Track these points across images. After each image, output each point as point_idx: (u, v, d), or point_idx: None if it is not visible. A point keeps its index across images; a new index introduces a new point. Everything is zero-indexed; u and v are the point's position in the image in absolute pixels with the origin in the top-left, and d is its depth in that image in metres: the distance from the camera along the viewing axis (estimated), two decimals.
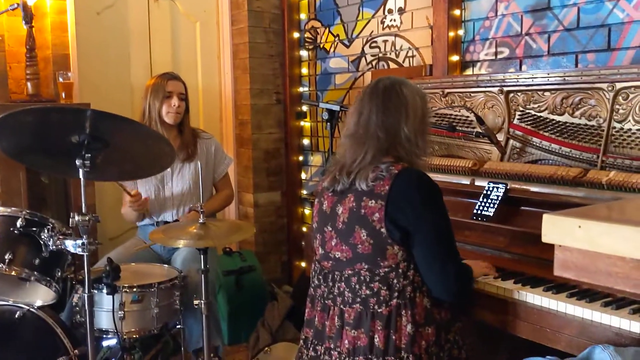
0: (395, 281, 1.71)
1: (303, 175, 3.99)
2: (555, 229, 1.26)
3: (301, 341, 1.93)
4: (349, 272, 1.77)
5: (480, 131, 2.33)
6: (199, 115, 3.96)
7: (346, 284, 1.77)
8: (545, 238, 1.29)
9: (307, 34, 3.88)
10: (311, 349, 1.87)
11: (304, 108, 3.94)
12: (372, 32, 3.37)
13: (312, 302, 1.90)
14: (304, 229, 3.96)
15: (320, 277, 1.87)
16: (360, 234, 1.73)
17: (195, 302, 2.39)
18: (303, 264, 3.91)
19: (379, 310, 1.71)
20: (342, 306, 1.78)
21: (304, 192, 3.99)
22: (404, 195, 1.70)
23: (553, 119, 2.20)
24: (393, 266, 1.71)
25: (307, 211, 3.97)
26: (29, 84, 3.20)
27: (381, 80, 1.83)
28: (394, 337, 1.69)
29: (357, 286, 1.75)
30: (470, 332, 1.87)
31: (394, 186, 1.70)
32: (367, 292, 1.73)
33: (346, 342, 1.75)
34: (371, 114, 1.78)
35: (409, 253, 1.72)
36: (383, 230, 1.70)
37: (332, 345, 1.79)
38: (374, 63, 3.39)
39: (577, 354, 1.40)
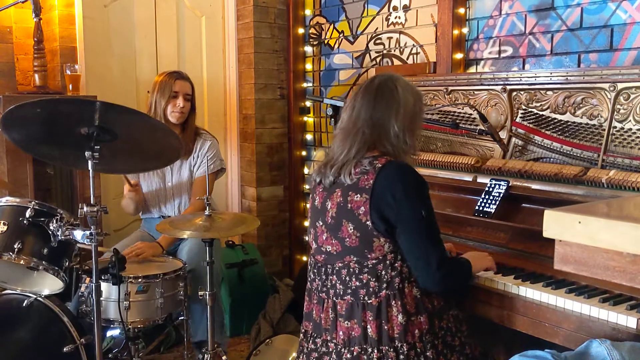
0: (383, 272, 1.74)
1: (306, 170, 4.02)
2: (556, 224, 1.29)
3: (301, 334, 1.97)
4: (340, 264, 1.80)
5: (483, 129, 2.36)
6: (204, 110, 3.99)
7: (337, 276, 1.81)
8: (547, 233, 1.32)
9: (312, 30, 3.90)
10: (311, 341, 1.90)
11: (308, 103, 3.97)
12: (377, 28, 3.40)
13: (310, 296, 1.94)
14: (306, 224, 3.99)
15: (315, 270, 1.91)
16: (347, 227, 1.77)
17: (200, 293, 2.43)
18: (304, 258, 3.95)
19: (369, 301, 1.74)
20: (334, 298, 1.81)
21: (307, 186, 4.02)
22: (387, 188, 1.72)
23: (555, 118, 2.23)
24: (380, 258, 1.74)
25: (309, 205, 3.99)
26: (36, 75, 3.21)
27: (377, 77, 1.86)
28: (386, 327, 1.73)
29: (347, 278, 1.78)
30: (465, 320, 1.90)
31: (378, 179, 1.73)
32: (357, 283, 1.76)
33: (340, 333, 1.79)
34: (361, 109, 1.81)
35: (396, 244, 1.75)
36: (369, 223, 1.73)
37: (328, 337, 1.83)
38: (378, 60, 3.41)
39: (574, 348, 1.42)
